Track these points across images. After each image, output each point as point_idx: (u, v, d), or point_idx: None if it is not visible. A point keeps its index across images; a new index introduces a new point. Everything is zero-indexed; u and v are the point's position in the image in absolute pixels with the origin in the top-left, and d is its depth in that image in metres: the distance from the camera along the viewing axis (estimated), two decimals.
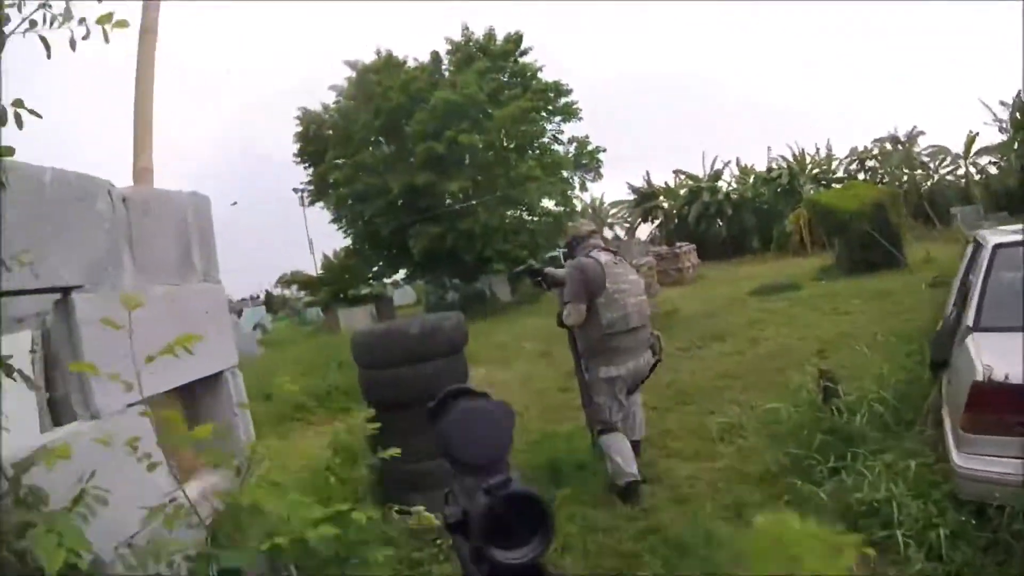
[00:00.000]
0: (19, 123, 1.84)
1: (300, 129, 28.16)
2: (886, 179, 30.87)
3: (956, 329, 4.26)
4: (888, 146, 32.73)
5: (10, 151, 1.77)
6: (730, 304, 13.46)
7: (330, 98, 27.87)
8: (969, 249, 5.70)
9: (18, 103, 1.80)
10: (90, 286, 2.44)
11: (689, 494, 4.75)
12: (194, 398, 3.28)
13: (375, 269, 30.14)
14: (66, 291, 2.36)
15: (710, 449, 5.58)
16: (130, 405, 2.34)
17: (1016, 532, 3.17)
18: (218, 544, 1.62)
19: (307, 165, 28.86)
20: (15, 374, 1.70)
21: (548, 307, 15.32)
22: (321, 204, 29.22)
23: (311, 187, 30.08)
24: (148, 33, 3.69)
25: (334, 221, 28.50)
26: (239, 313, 36.18)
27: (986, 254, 4.48)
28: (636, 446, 5.15)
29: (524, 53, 26.15)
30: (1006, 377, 3.26)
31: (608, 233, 38.25)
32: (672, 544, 3.99)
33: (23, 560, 1.42)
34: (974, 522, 3.38)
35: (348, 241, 29.68)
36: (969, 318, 4.08)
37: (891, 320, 8.81)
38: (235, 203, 46.33)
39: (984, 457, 3.37)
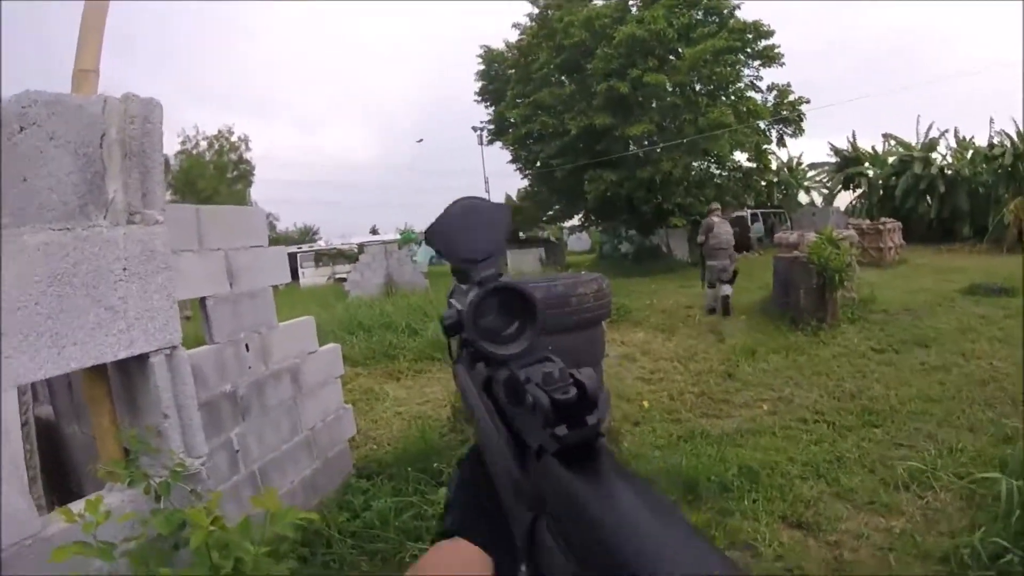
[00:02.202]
0: None
1: (483, 67, 27.89)
2: None
3: None
4: None
5: None
6: (937, 301, 11.63)
7: (513, 36, 27.26)
8: None
9: None
10: None
11: (850, 561, 3.75)
12: (130, 385, 2.65)
13: (550, 213, 29.52)
14: None
15: (890, 499, 4.44)
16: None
17: None
18: None
19: (487, 104, 28.65)
20: None
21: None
22: (499, 143, 28.90)
23: (491, 126, 29.87)
24: None
25: (512, 161, 28.20)
26: (419, 243, 37.13)
27: None
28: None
29: None
30: None
31: (803, 198, 35.79)
32: None
33: None
34: None
35: (525, 182, 29.40)
36: None
37: None
38: (420, 140, 47.41)
39: None
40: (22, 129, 2.20)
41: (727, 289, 11.87)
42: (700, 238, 12.51)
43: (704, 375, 7.82)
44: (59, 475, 4.08)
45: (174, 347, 2.67)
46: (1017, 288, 12.23)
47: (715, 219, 12.33)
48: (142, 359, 2.55)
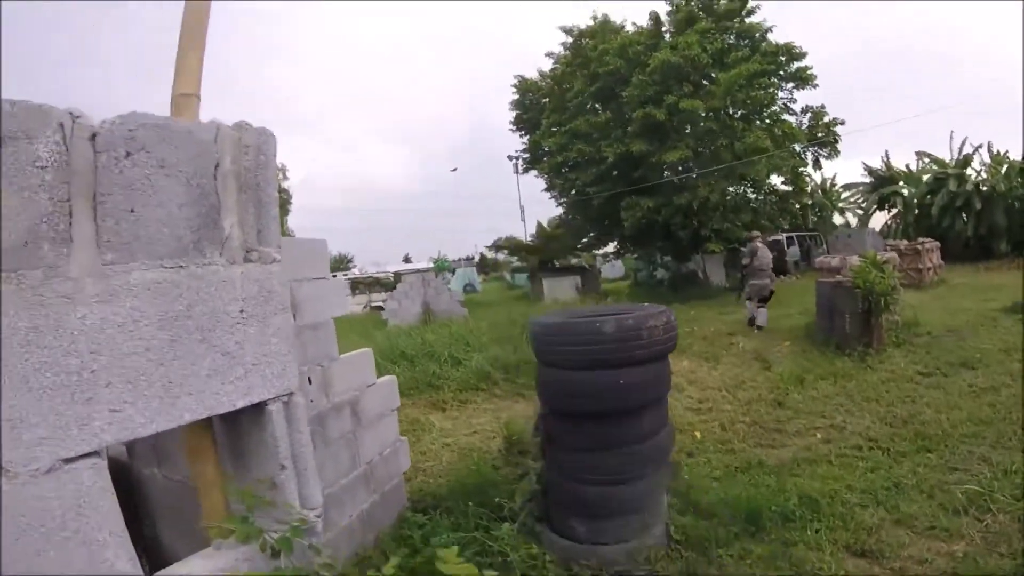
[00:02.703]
0: None
1: (517, 97, 28.37)
2: None
3: None
4: None
5: None
6: (979, 321, 11.64)
7: (547, 65, 27.75)
8: None
9: None
10: (8, 273, 1.71)
11: None
12: (238, 434, 2.48)
13: (585, 240, 29.76)
14: None
15: (950, 523, 4.57)
16: (68, 460, 1.73)
17: None
18: None
19: (523, 133, 29.13)
20: None
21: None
22: (535, 172, 29.29)
23: (526, 154, 30.28)
24: None
25: (547, 189, 28.53)
26: (452, 271, 37.51)
27: None
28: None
29: (751, 13, 23.99)
30: None
31: (838, 219, 35.60)
32: None
33: None
34: None
35: (559, 210, 29.69)
36: None
37: None
38: (455, 169, 48.17)
39: None
40: (128, 155, 2.01)
41: (763, 308, 13.68)
42: (745, 260, 14.30)
43: (754, 404, 7.95)
44: (131, 519, 4.08)
45: (291, 393, 2.53)
46: None
47: (758, 244, 13.92)
48: (258, 407, 2.41)
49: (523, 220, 37.78)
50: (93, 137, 1.93)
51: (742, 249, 15.91)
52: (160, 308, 2.04)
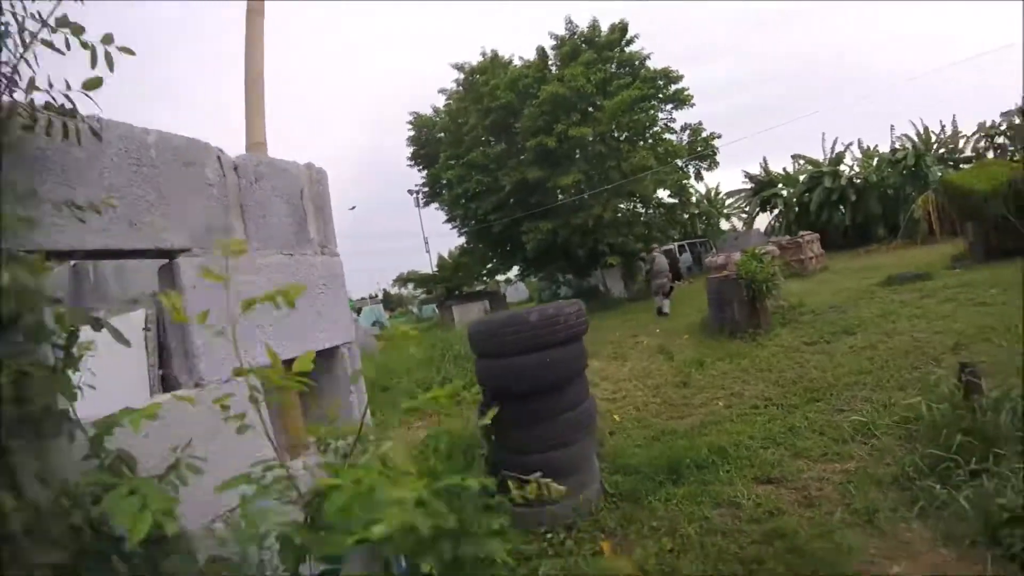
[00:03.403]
0: (110, 64, 1.66)
1: (412, 133, 28.89)
2: (1017, 156, 28.28)
3: None
4: (1017, 119, 29.99)
5: (97, 82, 1.63)
6: (859, 296, 12.79)
7: (440, 101, 28.43)
8: None
9: (107, 39, 1.64)
10: (198, 251, 2.42)
11: (817, 497, 4.54)
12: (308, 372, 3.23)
13: (488, 266, 30.40)
14: (171, 256, 2.35)
15: (840, 449, 5.28)
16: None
17: None
18: (315, 528, 1.38)
19: (420, 168, 29.55)
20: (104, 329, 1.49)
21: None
22: (435, 205, 29.79)
23: (425, 188, 30.72)
24: (255, 14, 3.72)
25: (448, 220, 29.05)
26: (358, 311, 37.39)
27: None
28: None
29: (630, 42, 25.51)
30: None
31: (725, 225, 37.37)
32: (798, 551, 3.82)
33: (98, 530, 1.23)
34: None
35: (462, 240, 30.22)
36: None
37: None
38: (353, 207, 47.99)
39: None
40: (257, 180, 2.83)
41: (666, 300, 17.24)
42: (647, 267, 18.77)
43: (662, 387, 8.59)
44: None
45: (351, 342, 3.32)
46: (930, 271, 13.55)
47: (656, 254, 18.27)
48: (333, 350, 3.18)
49: (428, 252, 38.05)
50: (235, 167, 2.73)
51: (642, 263, 20.62)
52: (283, 279, 2.82)
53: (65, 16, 1.62)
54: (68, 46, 1.64)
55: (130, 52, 1.67)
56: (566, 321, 4.92)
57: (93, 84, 1.63)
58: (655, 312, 17.07)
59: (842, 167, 32.85)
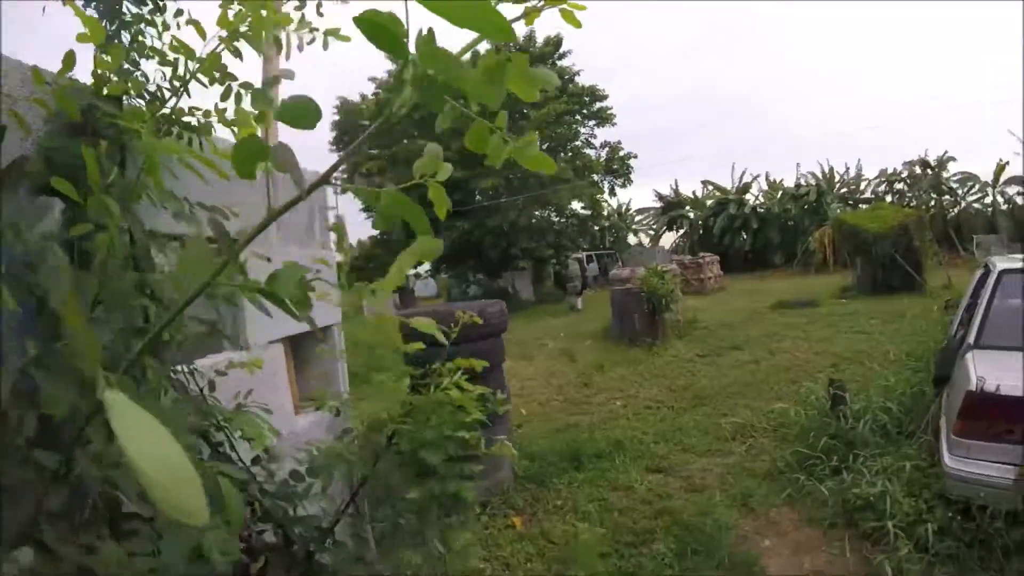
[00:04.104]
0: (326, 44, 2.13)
1: (338, 118, 28.68)
2: (913, 203, 30.42)
3: (959, 347, 4.58)
4: (918, 170, 32.21)
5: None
6: (750, 316, 13.76)
7: (369, 88, 28.39)
8: (978, 273, 6.00)
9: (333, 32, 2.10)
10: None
11: (700, 484, 5.18)
12: (301, 346, 3.57)
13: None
14: None
15: (722, 447, 5.98)
16: (271, 342, 2.76)
17: (997, 529, 3.54)
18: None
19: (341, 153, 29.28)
20: None
21: (568, 310, 16.72)
22: (352, 193, 29.61)
23: (344, 175, 30.51)
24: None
25: (364, 210, 28.95)
26: None
27: (992, 279, 4.81)
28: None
29: (563, 56, 26.29)
30: (997, 388, 3.62)
31: (632, 239, 38.47)
32: (683, 525, 4.41)
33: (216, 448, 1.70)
34: (959, 519, 3.75)
35: (376, 231, 30.19)
36: (971, 336, 4.42)
37: (905, 340, 9.08)
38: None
39: (973, 460, 3.74)
40: (284, 184, 3.22)
41: (579, 298, 20.42)
42: (562, 270, 23.42)
43: (565, 387, 9.13)
44: None
45: (339, 323, 3.68)
46: (818, 298, 14.64)
47: (571, 260, 21.62)
48: (329, 327, 3.55)
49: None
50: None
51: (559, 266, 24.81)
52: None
53: None
54: None
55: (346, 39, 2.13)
56: (490, 319, 5.44)
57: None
58: (568, 308, 19.90)
59: (748, 196, 34.57)
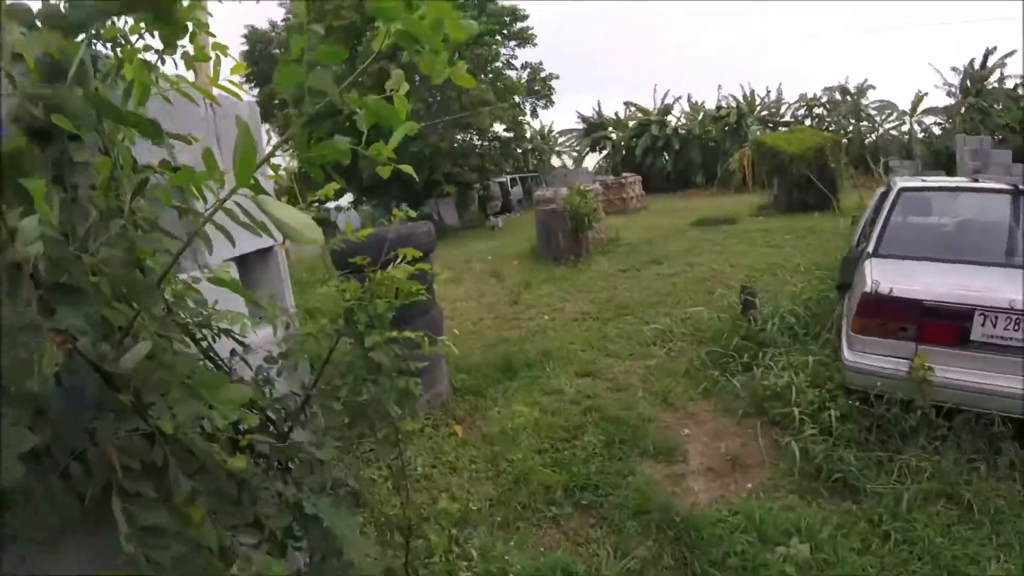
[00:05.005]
0: None
1: (246, 48, 27.64)
2: (831, 127, 31.34)
3: (860, 256, 4.98)
4: (837, 96, 32.93)
5: None
6: (671, 233, 14.24)
7: (278, 15, 27.41)
8: (879, 191, 6.46)
9: None
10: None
11: (624, 384, 5.58)
12: (248, 267, 3.60)
13: (318, 193, 29.74)
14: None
15: (644, 351, 6.39)
16: (225, 260, 2.77)
17: (893, 416, 3.96)
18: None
19: (253, 85, 28.35)
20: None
21: (492, 232, 16.80)
22: (267, 126, 28.85)
23: (259, 107, 29.55)
24: None
25: (283, 142, 28.23)
26: None
27: (892, 195, 5.21)
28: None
29: None
30: (891, 291, 4.01)
31: (556, 161, 38.62)
32: (610, 420, 4.78)
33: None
34: (859, 405, 4.20)
35: (295, 164, 29.53)
36: (870, 246, 4.82)
37: (815, 253, 9.70)
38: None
39: (868, 354, 4.17)
40: (225, 116, 3.05)
41: (499, 218, 22.33)
42: (482, 192, 23.66)
43: (494, 305, 9.37)
44: None
45: (281, 243, 3.64)
46: (736, 216, 15.22)
47: (491, 183, 22.12)
48: (269, 248, 3.50)
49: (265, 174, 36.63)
50: (210, 105, 3.09)
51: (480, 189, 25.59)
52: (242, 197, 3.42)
53: None
54: None
55: None
56: (419, 240, 5.48)
57: None
58: (490, 228, 21.71)
59: (670, 118, 34.83)
